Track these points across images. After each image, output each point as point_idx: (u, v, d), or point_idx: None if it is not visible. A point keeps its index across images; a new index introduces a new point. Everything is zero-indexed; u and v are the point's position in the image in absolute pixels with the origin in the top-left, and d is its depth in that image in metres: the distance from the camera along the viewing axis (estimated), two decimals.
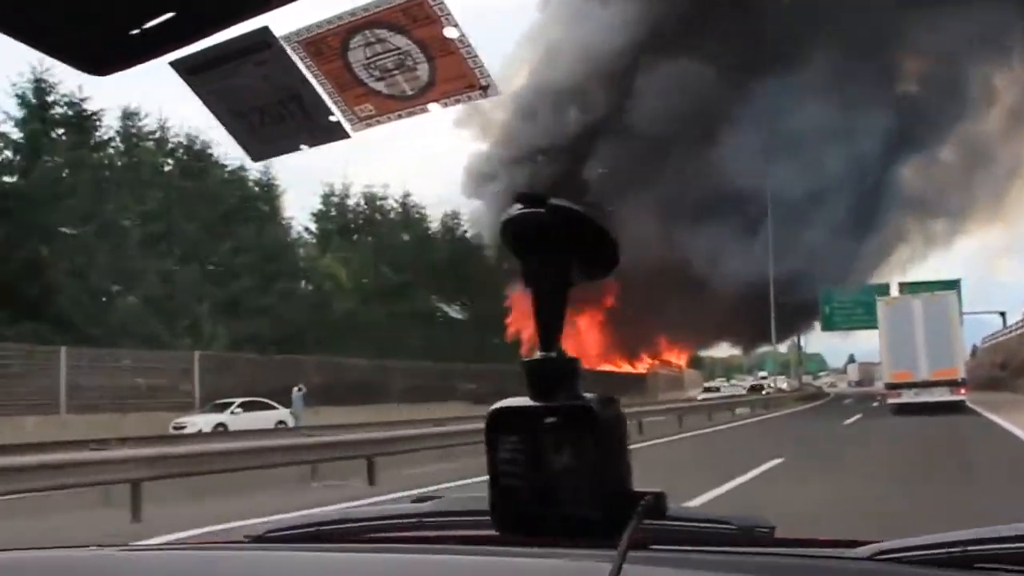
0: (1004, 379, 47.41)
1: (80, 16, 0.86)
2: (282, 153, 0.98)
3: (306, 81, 0.92)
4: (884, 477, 12.67)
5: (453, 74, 0.88)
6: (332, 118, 0.94)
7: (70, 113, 33.16)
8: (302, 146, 0.98)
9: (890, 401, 32.09)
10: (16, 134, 31.80)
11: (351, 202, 51.59)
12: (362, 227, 51.09)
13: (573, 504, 0.82)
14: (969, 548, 1.18)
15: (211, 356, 31.97)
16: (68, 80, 32.39)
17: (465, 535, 1.45)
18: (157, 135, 40.06)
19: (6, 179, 31.35)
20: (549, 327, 0.86)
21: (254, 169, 43.12)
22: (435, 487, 11.19)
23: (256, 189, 43.36)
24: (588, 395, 0.84)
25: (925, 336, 31.75)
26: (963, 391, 31.47)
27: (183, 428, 25.56)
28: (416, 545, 1.47)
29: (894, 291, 52.73)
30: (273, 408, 28.95)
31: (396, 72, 0.89)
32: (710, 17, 53.78)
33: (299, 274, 43.94)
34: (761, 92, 55.67)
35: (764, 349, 73.11)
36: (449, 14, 0.85)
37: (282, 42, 0.90)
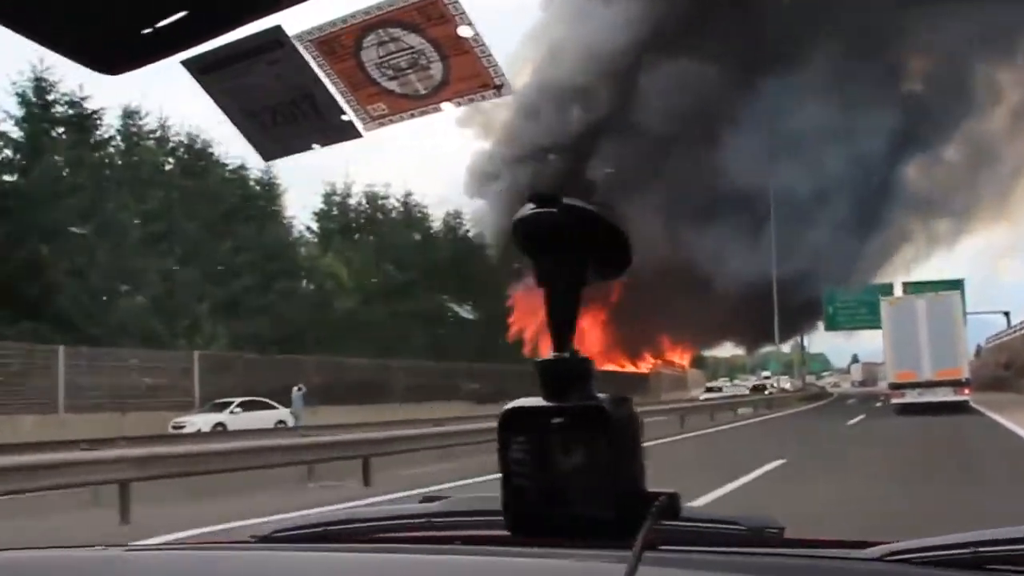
0: (1008, 379, 47.36)
1: (92, 16, 0.86)
2: (294, 153, 0.98)
3: (318, 80, 0.92)
4: (888, 478, 12.63)
5: (467, 73, 0.88)
6: (344, 118, 0.94)
7: (70, 112, 33.11)
8: (314, 146, 0.98)
9: (894, 401, 32.17)
10: (16, 133, 31.79)
11: (353, 201, 51.65)
12: (364, 226, 51.11)
13: (586, 504, 0.82)
14: (980, 549, 1.18)
15: (211, 355, 31.97)
16: (68, 79, 32.40)
17: (477, 535, 1.45)
18: (158, 134, 40.10)
19: (6, 178, 31.33)
20: (562, 327, 0.86)
21: (255, 168, 43.20)
22: (431, 488, 11.12)
23: (257, 188, 43.35)
24: (601, 395, 0.84)
25: (929, 336, 31.82)
26: (967, 391, 31.55)
27: (182, 428, 25.57)
28: (426, 545, 1.47)
29: (898, 291, 52.76)
30: (273, 408, 28.94)
31: (409, 71, 0.89)
32: (712, 16, 53.75)
33: (300, 273, 43.93)
34: (764, 91, 55.63)
35: (767, 349, 73.17)
36: (464, 13, 0.85)
37: (294, 41, 0.90)
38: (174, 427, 25.77)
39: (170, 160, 40.50)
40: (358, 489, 12.95)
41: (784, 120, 54.90)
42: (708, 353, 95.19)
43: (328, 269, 44.66)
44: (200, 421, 26.13)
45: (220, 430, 24.70)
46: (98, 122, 34.27)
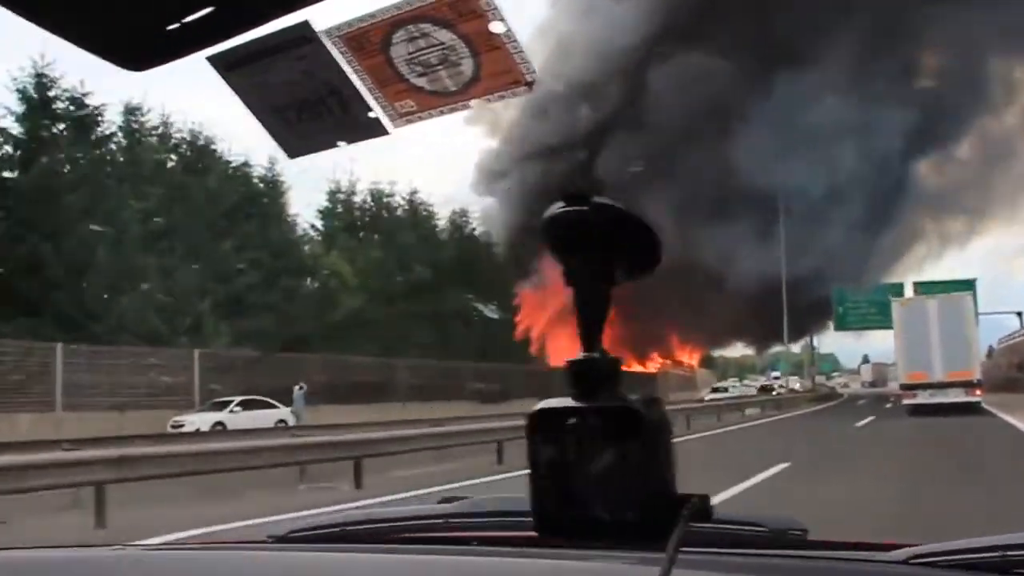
0: (1020, 380, 47.21)
1: (118, 11, 0.86)
2: (319, 150, 0.98)
3: (346, 77, 0.91)
4: (898, 482, 12.55)
5: (499, 69, 0.88)
6: (371, 114, 0.94)
7: (72, 108, 33.06)
8: (340, 143, 0.98)
9: (905, 402, 32.23)
10: (16, 129, 31.76)
11: (358, 199, 51.71)
12: (369, 224, 51.16)
13: (616, 506, 0.82)
14: (1008, 553, 1.18)
15: (211, 354, 31.92)
16: (70, 75, 32.40)
17: (503, 536, 1.45)
18: (160, 131, 40.17)
19: (6, 175, 31.35)
20: (591, 327, 0.86)
21: (259, 165, 43.30)
22: (426, 491, 11.08)
23: (261, 185, 43.40)
24: (632, 395, 0.84)
25: (940, 337, 31.89)
26: (979, 392, 31.60)
27: (181, 427, 25.56)
28: (451, 546, 1.47)
29: (908, 291, 52.66)
30: (273, 407, 28.90)
31: (440, 67, 0.89)
32: (725, 11, 53.60)
33: (304, 271, 43.96)
34: (777, 88, 55.48)
35: (777, 349, 72.98)
36: (496, 8, 0.85)
37: (322, 37, 0.90)
38: (173, 426, 25.77)
39: (172, 157, 40.56)
40: (349, 491, 12.83)
41: (796, 116, 54.75)
42: (718, 353, 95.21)
43: (332, 267, 44.70)
44: (199, 420, 26.09)
45: (219, 429, 24.70)
46: (99, 119, 34.19)
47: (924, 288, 50.02)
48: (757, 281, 55.56)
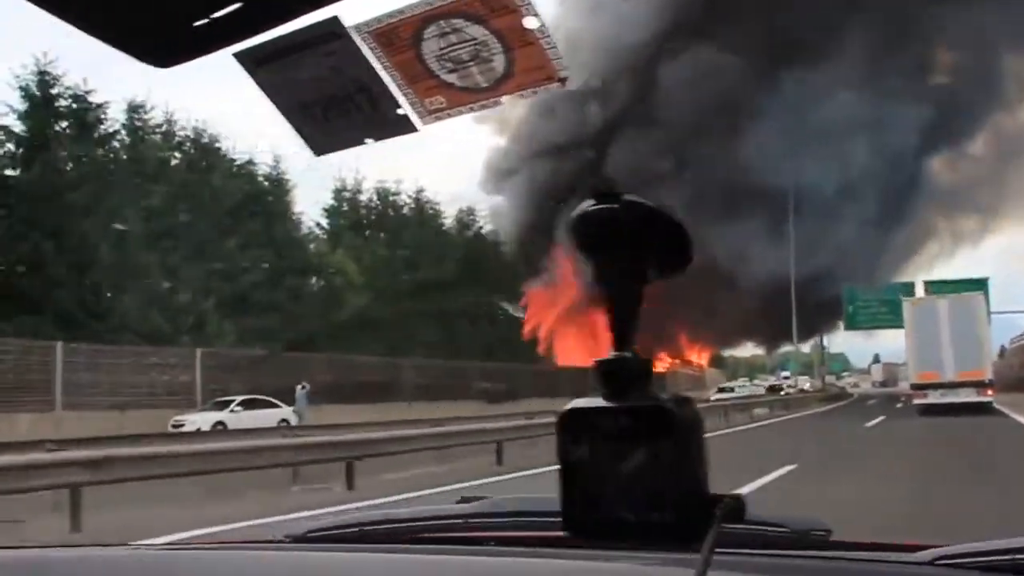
0: None
1: (144, 7, 0.86)
2: (345, 147, 0.98)
3: (375, 73, 0.91)
4: (909, 482, 12.50)
5: (531, 65, 0.87)
6: (400, 111, 0.93)
7: (74, 106, 33.10)
8: (367, 140, 0.97)
9: (916, 402, 32.25)
10: (19, 127, 31.82)
11: (363, 197, 51.79)
12: (375, 223, 51.24)
13: (648, 506, 0.81)
14: None
15: (213, 353, 31.96)
16: (73, 72, 32.45)
17: (531, 536, 1.44)
18: (164, 128, 40.25)
19: (8, 173, 31.41)
20: (623, 326, 0.86)
21: (263, 163, 43.39)
22: (423, 492, 11.04)
23: (265, 184, 43.46)
24: (662, 395, 0.84)
25: (952, 337, 31.94)
26: (990, 392, 31.64)
27: (181, 426, 25.57)
28: (474, 546, 1.46)
29: (919, 290, 52.60)
30: (275, 406, 28.88)
31: (471, 63, 0.88)
32: (735, 6, 53.51)
33: (309, 270, 44.03)
34: (788, 84, 55.34)
35: (787, 349, 72.90)
36: (530, 3, 0.84)
37: (351, 32, 0.89)
38: (173, 426, 25.78)
39: (176, 155, 40.64)
40: (342, 493, 12.69)
41: (808, 114, 54.60)
42: (727, 353, 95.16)
43: (338, 266, 44.75)
44: (200, 420, 26.10)
45: (220, 429, 24.69)
46: (102, 116, 34.25)
47: (935, 287, 50.00)
48: (767, 280, 55.47)
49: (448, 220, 55.50)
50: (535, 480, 12.75)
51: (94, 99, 33.46)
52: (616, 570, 1.21)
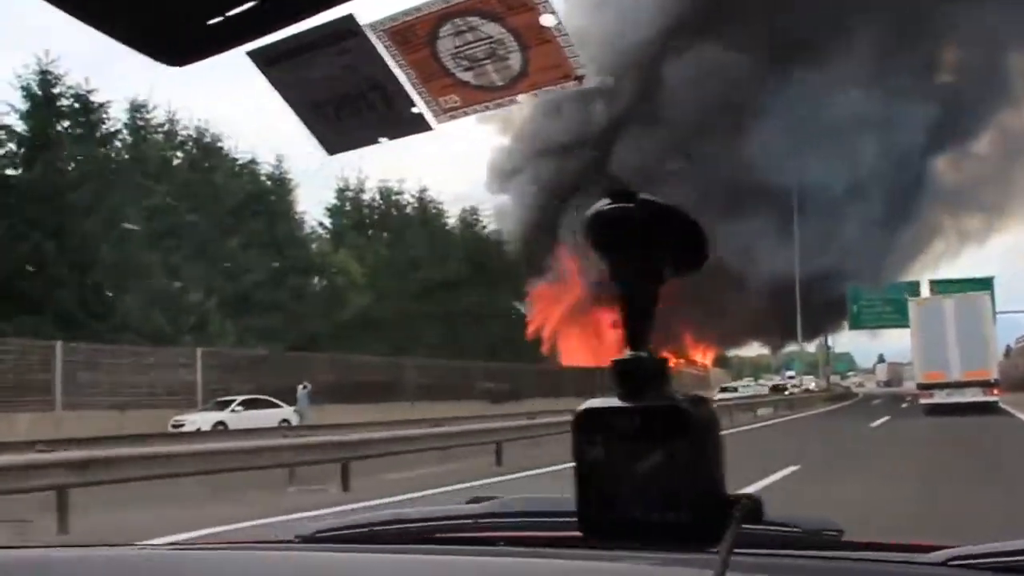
0: None
1: (157, 5, 0.86)
2: (359, 146, 0.98)
3: (389, 71, 0.91)
4: (914, 483, 12.48)
5: (548, 63, 0.87)
6: (414, 110, 0.93)
7: (76, 105, 33.13)
8: (381, 139, 0.97)
9: (922, 401, 32.44)
10: (21, 127, 31.86)
11: (366, 197, 51.85)
12: (377, 222, 51.32)
13: (664, 507, 0.81)
14: None
15: (214, 352, 31.96)
16: (74, 72, 32.48)
17: (545, 536, 1.44)
18: (166, 128, 40.32)
19: (10, 172, 31.45)
20: (639, 325, 0.86)
21: (266, 163, 43.46)
22: (418, 494, 10.99)
23: (268, 183, 43.52)
24: (678, 395, 0.84)
25: (957, 337, 32.09)
26: (996, 392, 31.78)
27: (181, 426, 25.58)
28: (486, 546, 1.46)
29: (924, 289, 52.69)
30: (276, 406, 28.86)
31: (486, 62, 0.88)
32: (742, 3, 53.51)
33: (312, 270, 44.07)
34: (794, 82, 55.32)
35: (792, 348, 72.93)
36: (547, 1, 0.85)
37: (366, 30, 0.89)
38: (173, 425, 25.80)
39: (178, 154, 40.71)
40: (337, 494, 12.58)
41: (814, 112, 54.59)
42: (732, 352, 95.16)
43: (341, 265, 44.80)
44: (200, 420, 26.10)
45: (221, 429, 24.71)
46: (104, 116, 34.29)
47: (941, 287, 50.07)
48: (772, 279, 55.51)
49: (451, 220, 55.61)
50: (536, 481, 12.75)
51: (96, 98, 33.57)
52: (633, 570, 1.21)
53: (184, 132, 41.02)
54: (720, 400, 45.48)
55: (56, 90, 32.43)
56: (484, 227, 57.91)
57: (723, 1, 53.29)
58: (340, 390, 33.73)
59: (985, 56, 55.79)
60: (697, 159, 55.64)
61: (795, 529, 1.38)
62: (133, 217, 32.76)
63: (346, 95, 0.93)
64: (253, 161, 42.97)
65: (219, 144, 41.89)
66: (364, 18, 0.88)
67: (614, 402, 0.84)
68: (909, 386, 54.50)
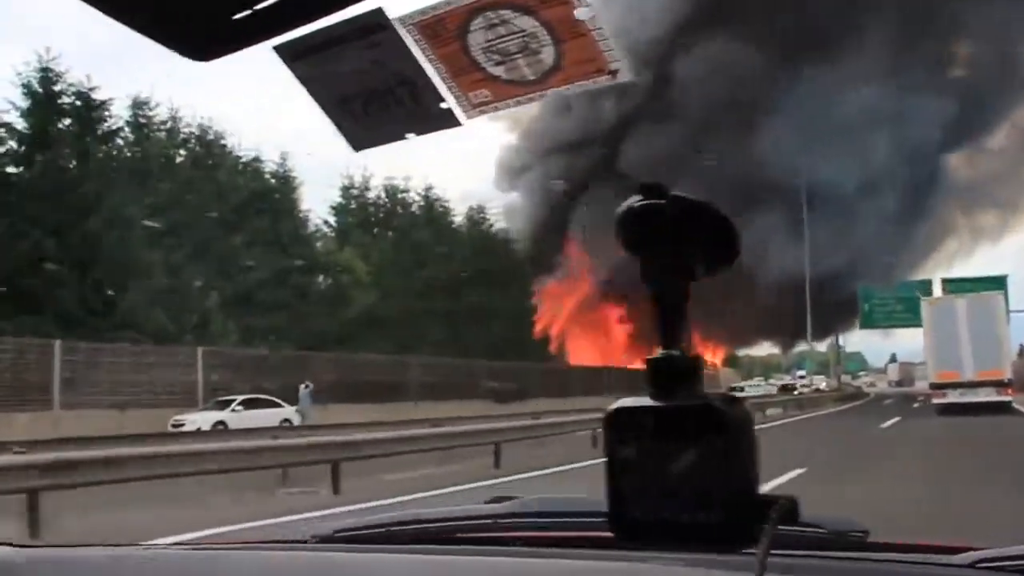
0: None
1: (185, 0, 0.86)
2: (386, 142, 0.97)
3: (419, 66, 0.90)
4: (924, 484, 12.42)
5: (581, 57, 0.87)
6: (443, 105, 0.93)
7: (78, 103, 33.09)
8: (408, 135, 0.97)
9: (935, 401, 32.58)
10: (21, 124, 31.80)
11: (371, 195, 51.84)
12: (383, 220, 51.31)
13: (698, 507, 0.81)
14: None
15: (216, 352, 31.92)
16: (76, 69, 32.47)
17: (571, 536, 1.44)
18: (168, 125, 40.32)
19: (10, 170, 31.47)
20: (671, 323, 0.86)
21: (270, 161, 43.47)
22: (415, 496, 10.93)
23: (272, 181, 43.51)
24: (711, 394, 0.84)
25: (970, 336, 32.18)
26: (1010, 392, 31.75)
27: (181, 426, 25.55)
28: (508, 547, 1.45)
29: (936, 288, 52.59)
30: (277, 406, 28.79)
31: (518, 56, 0.87)
32: None
33: (316, 268, 44.07)
34: (806, 77, 55.16)
35: (802, 348, 72.76)
36: None
37: (396, 24, 0.89)
38: (173, 425, 25.77)
39: (181, 152, 40.71)
40: (328, 497, 12.36)
41: (825, 108, 54.42)
42: (743, 352, 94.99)
43: (345, 264, 44.80)
44: (200, 419, 26.07)
45: (221, 429, 24.71)
46: (106, 113, 34.17)
47: (953, 285, 49.99)
48: (783, 278, 55.35)
49: (458, 218, 55.58)
50: (535, 483, 12.68)
51: (98, 96, 33.52)
52: (665, 571, 1.20)
53: (187, 129, 41.06)
54: None
55: (57, 87, 32.39)
56: (491, 225, 57.94)
57: None
58: (344, 389, 33.72)
59: (998, 51, 55.54)
60: (702, 155, 55.47)
61: (821, 530, 1.37)
62: (136, 215, 32.76)
63: (374, 90, 0.92)
64: (257, 159, 43.01)
65: (222, 142, 41.94)
66: (394, 12, 0.87)
67: (646, 401, 0.84)
68: (921, 386, 54.41)
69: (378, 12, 0.88)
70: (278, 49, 0.93)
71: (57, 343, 26.22)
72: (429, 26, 0.89)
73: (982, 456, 16.72)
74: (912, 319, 47.27)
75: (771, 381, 78.53)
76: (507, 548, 1.43)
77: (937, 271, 61.98)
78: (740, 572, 1.10)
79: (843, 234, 57.14)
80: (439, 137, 0.99)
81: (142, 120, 38.58)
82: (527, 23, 0.86)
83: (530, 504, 1.65)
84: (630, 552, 1.23)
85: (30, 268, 28.98)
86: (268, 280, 39.03)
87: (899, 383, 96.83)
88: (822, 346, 73.11)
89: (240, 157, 42.39)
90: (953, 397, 31.59)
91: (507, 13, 0.86)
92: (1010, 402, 31.26)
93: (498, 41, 0.88)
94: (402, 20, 0.89)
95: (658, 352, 0.85)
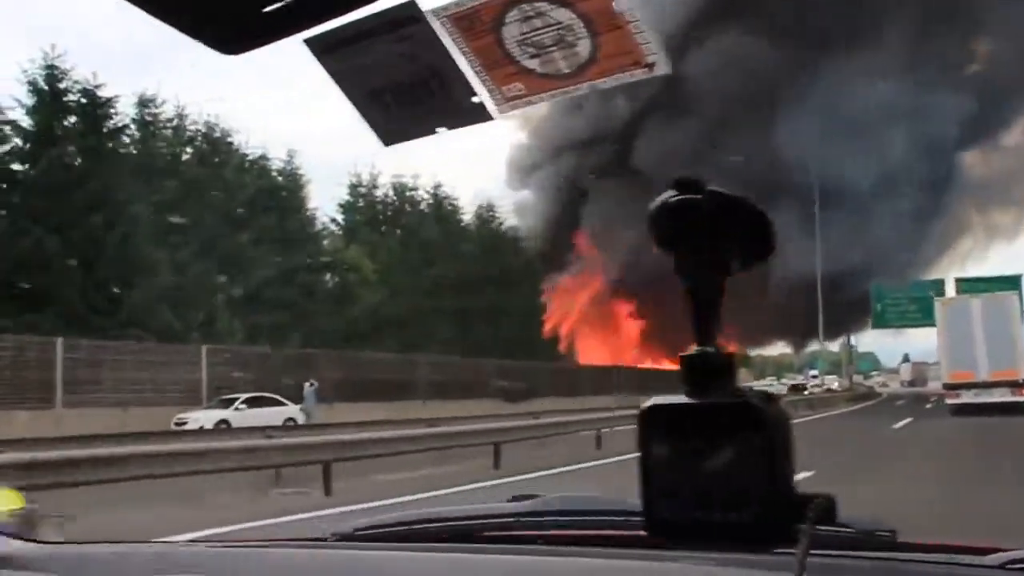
0: None
1: None
2: (417, 136, 0.97)
3: (451, 59, 0.90)
4: (936, 485, 12.37)
5: (618, 50, 0.86)
6: (475, 99, 0.92)
7: (83, 100, 33.16)
8: (439, 129, 0.96)
9: (949, 401, 32.65)
10: (26, 121, 31.94)
11: (379, 193, 51.88)
12: (390, 219, 51.36)
13: (733, 506, 0.81)
14: None
15: (220, 350, 32.01)
16: (81, 66, 32.50)
17: (600, 535, 1.44)
18: (175, 123, 40.37)
19: (15, 167, 31.56)
20: (705, 320, 0.86)
21: (277, 158, 43.52)
22: (406, 498, 10.88)
23: (279, 179, 43.58)
24: (747, 391, 0.84)
25: (985, 336, 32.26)
26: None
27: (184, 424, 25.64)
28: (536, 545, 1.45)
29: (949, 287, 52.52)
30: (281, 404, 28.82)
31: (553, 48, 0.87)
32: None
33: (323, 266, 44.14)
34: (820, 73, 55.01)
35: (815, 347, 72.64)
36: None
37: (429, 17, 0.88)
38: (176, 424, 25.84)
39: (188, 149, 40.78)
40: (320, 498, 12.24)
41: (840, 104, 54.27)
42: (755, 352, 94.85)
43: (352, 262, 44.85)
44: (203, 417, 26.17)
45: (224, 427, 24.76)
46: (112, 111, 34.20)
47: (966, 285, 49.90)
48: (795, 276, 55.18)
49: (467, 216, 55.61)
50: (534, 484, 12.64)
51: (103, 93, 33.57)
52: (698, 571, 1.20)
53: (193, 127, 41.12)
54: None
55: (62, 85, 32.47)
56: (500, 223, 57.97)
57: None
58: (351, 388, 33.78)
59: (1018, 48, 55.23)
60: (721, 152, 55.34)
61: (849, 529, 1.37)
62: (142, 213, 32.83)
63: (404, 84, 0.92)
64: (264, 156, 43.08)
65: (229, 139, 42.00)
66: (426, 4, 0.87)
67: (681, 398, 0.84)
68: (934, 386, 54.31)
69: (411, 4, 0.88)
70: (308, 42, 0.92)
71: (59, 341, 26.29)
72: (464, 18, 0.88)
73: (997, 457, 16.67)
74: (925, 319, 47.21)
75: (783, 381, 78.47)
76: (530, 547, 1.43)
77: (951, 270, 61.89)
78: (774, 572, 1.10)
79: (857, 232, 56.99)
80: (447, 136, 0.99)
81: (148, 118, 38.67)
82: (564, 15, 0.86)
83: (552, 503, 1.65)
84: (662, 551, 1.22)
85: (36, 266, 29.06)
86: (275, 278, 39.09)
87: (911, 383, 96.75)
88: (834, 346, 73.01)
89: (247, 155, 42.48)
90: (967, 397, 31.68)
91: (543, 5, 0.85)
92: None
93: (533, 34, 0.87)
94: (435, 12, 0.89)
95: (692, 349, 0.85)
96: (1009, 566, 1.21)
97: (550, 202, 61.29)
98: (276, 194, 42.25)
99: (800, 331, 68.17)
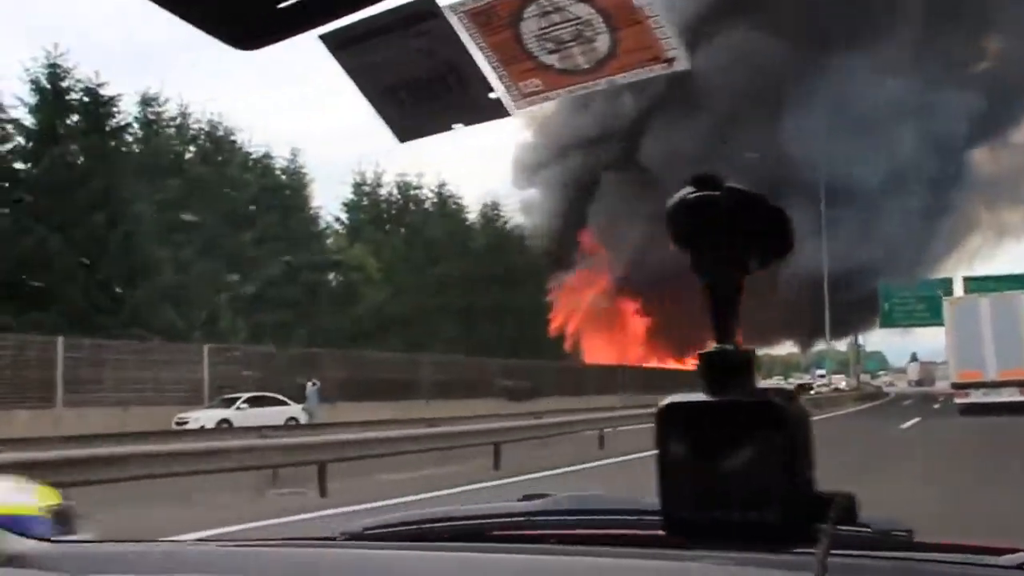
0: None
1: None
2: (433, 133, 0.97)
3: (468, 55, 0.90)
4: (943, 486, 12.34)
5: (637, 45, 0.86)
6: (492, 95, 0.92)
7: (86, 99, 33.21)
8: (455, 125, 0.96)
9: (957, 401, 32.59)
10: (29, 120, 32.02)
11: (384, 192, 51.91)
12: (395, 217, 51.38)
13: (753, 505, 0.80)
14: None
15: (222, 349, 32.02)
16: (84, 65, 32.57)
17: (612, 534, 1.43)
18: (178, 121, 40.44)
19: (18, 166, 31.61)
20: (725, 318, 0.86)
21: (280, 157, 43.58)
22: (408, 498, 10.84)
23: (283, 177, 43.63)
24: (767, 388, 0.83)
25: (994, 335, 32.22)
26: None
27: (185, 423, 25.67)
28: (548, 544, 1.45)
29: (957, 286, 52.37)
30: (283, 404, 28.82)
31: (572, 44, 0.86)
32: None
33: (327, 265, 44.17)
34: (829, 70, 54.91)
35: (822, 347, 72.54)
36: None
37: (446, 12, 0.88)
38: (177, 423, 25.85)
39: (191, 148, 40.85)
40: (315, 498, 12.12)
41: (849, 101, 54.18)
42: (762, 351, 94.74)
43: (356, 261, 44.88)
44: (204, 417, 26.18)
45: (225, 427, 24.77)
46: (114, 109, 34.28)
47: (975, 284, 49.79)
48: (802, 275, 55.11)
49: (472, 215, 55.62)
50: (537, 484, 12.62)
51: (106, 92, 33.63)
52: (717, 570, 1.19)
53: (196, 126, 41.21)
54: None
55: (65, 84, 32.55)
56: (506, 222, 58.00)
57: None
58: (354, 387, 33.78)
59: None
60: (730, 149, 55.27)
61: (863, 529, 1.37)
62: (145, 211, 32.87)
63: (421, 80, 0.92)
64: (267, 155, 43.14)
65: (232, 138, 42.08)
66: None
67: (699, 396, 0.84)
68: (941, 386, 54.14)
69: (427, 0, 0.88)
70: (323, 38, 0.92)
71: (60, 340, 26.28)
72: (481, 13, 0.88)
73: (1006, 457, 16.63)
74: (933, 318, 47.16)
75: (790, 380, 78.31)
76: (543, 546, 1.43)
77: (960, 268, 61.78)
78: (795, 572, 1.10)
79: (864, 230, 56.89)
80: (452, 134, 0.99)
81: (151, 116, 38.74)
82: (583, 10, 0.85)
83: (563, 502, 1.65)
84: (680, 551, 1.22)
85: (38, 264, 29.10)
86: (278, 277, 39.12)
87: (919, 383, 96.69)
88: (842, 345, 72.88)
89: (250, 153, 42.54)
90: (976, 397, 31.64)
91: (562, 0, 0.85)
92: None
93: (552, 29, 0.87)
94: (453, 8, 0.88)
95: (711, 346, 0.85)
96: None
97: (556, 200, 61.30)
98: (280, 193, 42.33)
99: (807, 330, 68.09)
